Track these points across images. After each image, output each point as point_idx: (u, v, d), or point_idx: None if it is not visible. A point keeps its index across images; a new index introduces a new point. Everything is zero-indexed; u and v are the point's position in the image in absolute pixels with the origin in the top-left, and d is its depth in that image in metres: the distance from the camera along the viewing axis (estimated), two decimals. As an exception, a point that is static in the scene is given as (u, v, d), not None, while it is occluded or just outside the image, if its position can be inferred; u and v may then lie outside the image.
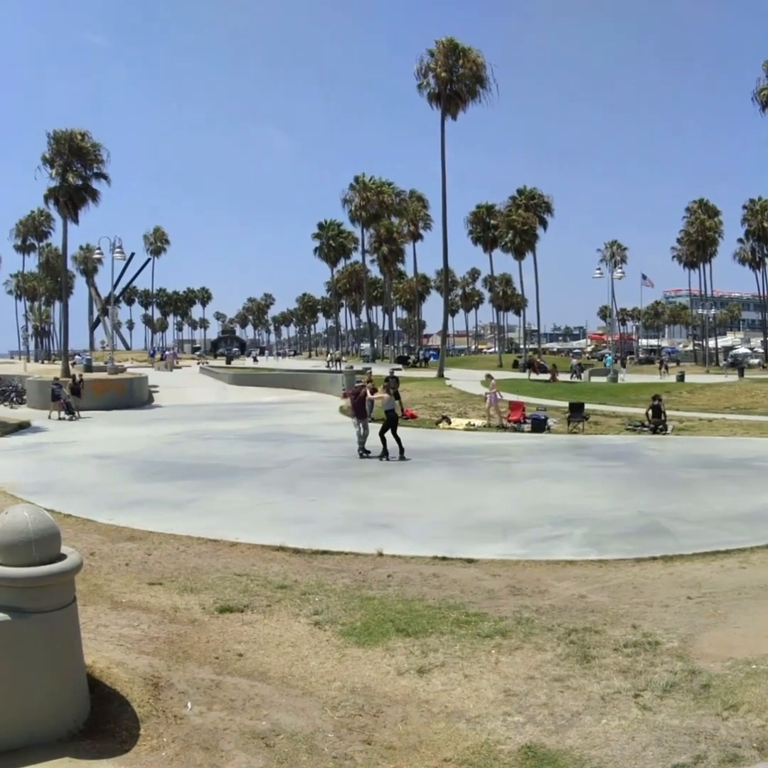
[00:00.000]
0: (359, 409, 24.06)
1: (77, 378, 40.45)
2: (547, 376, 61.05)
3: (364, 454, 23.34)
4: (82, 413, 37.93)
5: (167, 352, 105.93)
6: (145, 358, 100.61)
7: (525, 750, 6.24)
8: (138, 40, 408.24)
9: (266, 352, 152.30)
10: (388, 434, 23.03)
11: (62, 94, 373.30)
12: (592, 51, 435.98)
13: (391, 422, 23.25)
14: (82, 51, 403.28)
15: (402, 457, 22.77)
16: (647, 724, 6.61)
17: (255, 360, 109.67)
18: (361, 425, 23.72)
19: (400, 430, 23.32)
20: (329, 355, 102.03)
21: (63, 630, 6.14)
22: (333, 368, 70.13)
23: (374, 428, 24.14)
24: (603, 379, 59.33)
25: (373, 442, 23.48)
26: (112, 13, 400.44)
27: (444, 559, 12.40)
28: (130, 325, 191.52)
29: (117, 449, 25.96)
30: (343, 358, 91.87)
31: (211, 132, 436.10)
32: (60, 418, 36.77)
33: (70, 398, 37.89)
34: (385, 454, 22.91)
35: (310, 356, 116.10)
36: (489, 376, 34.97)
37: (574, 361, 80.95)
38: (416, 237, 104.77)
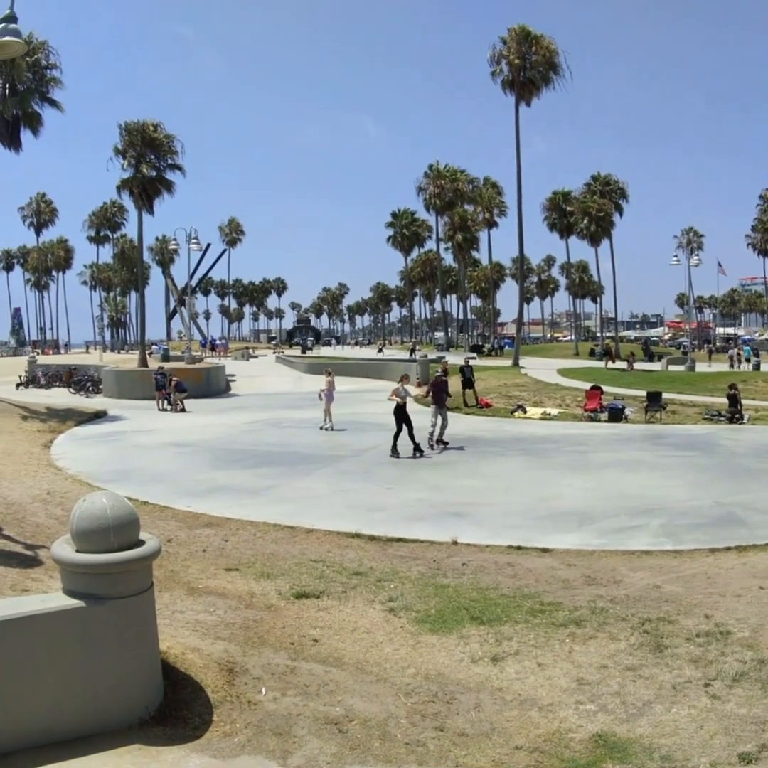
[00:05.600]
0: (439, 398, 23.82)
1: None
2: (624, 365, 60.17)
3: (439, 446, 23.17)
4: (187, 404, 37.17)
5: (218, 342, 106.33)
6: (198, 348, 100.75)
7: (596, 738, 6.23)
8: (223, 31, 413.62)
9: (332, 342, 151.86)
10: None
11: (146, 86, 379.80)
12: (669, 34, 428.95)
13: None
14: (168, 42, 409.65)
15: (395, 455, 21.97)
16: (716, 713, 6.58)
17: (309, 348, 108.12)
18: (439, 415, 23.52)
19: (474, 419, 23.07)
20: (413, 343, 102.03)
21: (139, 616, 6.21)
22: (410, 357, 70.04)
23: (452, 418, 23.96)
24: (681, 368, 58.43)
25: (449, 432, 23.46)
26: (197, 4, 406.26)
27: (519, 548, 12.40)
28: (207, 316, 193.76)
29: (194, 437, 26.31)
30: (418, 347, 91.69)
31: (290, 122, 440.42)
32: (161, 409, 36.84)
33: (171, 389, 37.37)
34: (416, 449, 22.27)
35: (383, 346, 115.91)
36: (327, 372, 31.12)
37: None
38: (491, 224, 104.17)
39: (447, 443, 23.27)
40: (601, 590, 10.23)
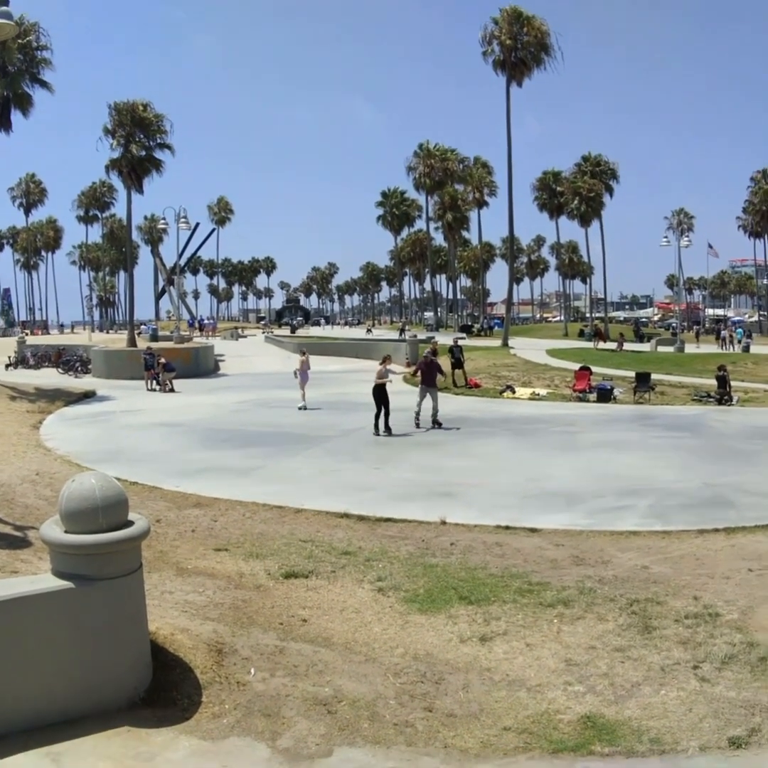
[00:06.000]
0: (427, 378, 23.85)
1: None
2: (613, 345, 60.19)
3: (434, 426, 23.23)
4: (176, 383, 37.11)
5: (205, 322, 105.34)
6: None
7: (584, 719, 6.25)
8: (216, 13, 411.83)
9: (321, 321, 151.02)
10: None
11: (138, 67, 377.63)
12: (659, 17, 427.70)
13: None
14: (161, 24, 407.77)
15: (377, 433, 22.29)
16: (705, 695, 6.60)
17: (298, 328, 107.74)
18: (428, 395, 23.55)
19: (464, 399, 23.08)
20: (402, 323, 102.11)
21: (128, 597, 6.22)
22: (398, 337, 70.02)
23: (442, 398, 24.01)
24: (670, 349, 58.55)
25: (443, 412, 23.46)
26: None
27: (507, 528, 12.40)
28: (196, 295, 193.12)
29: (183, 417, 26.27)
30: (407, 327, 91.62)
31: (282, 102, 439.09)
32: (150, 390, 36.79)
33: (159, 369, 37.23)
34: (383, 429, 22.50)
35: (372, 326, 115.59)
36: (302, 352, 31.48)
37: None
38: (481, 204, 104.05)
39: (441, 424, 23.24)
40: (589, 570, 10.25)
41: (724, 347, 62.18)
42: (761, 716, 6.18)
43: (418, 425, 22.99)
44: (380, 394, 22.45)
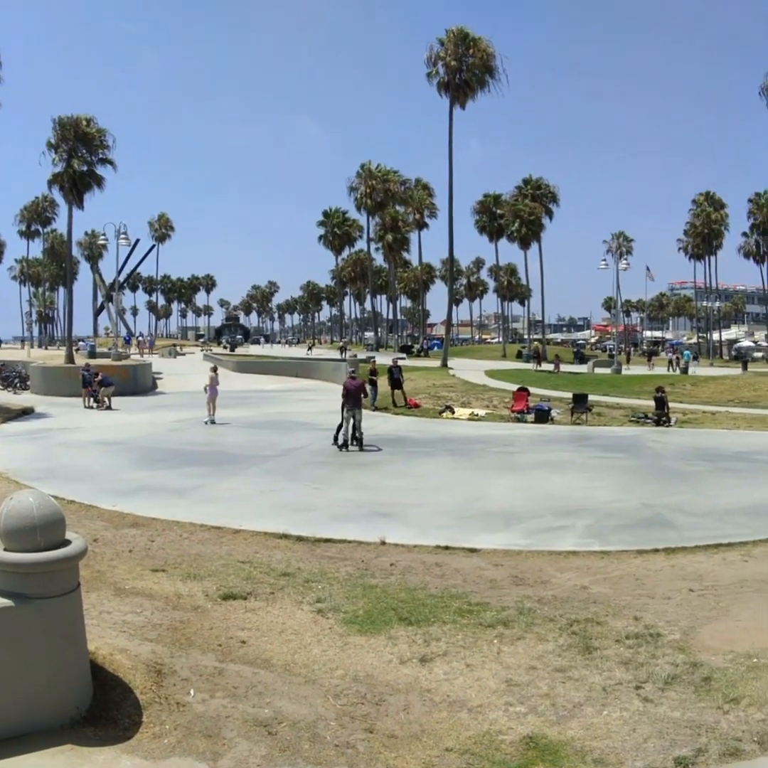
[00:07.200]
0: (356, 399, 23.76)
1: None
2: (551, 367, 60.76)
3: (349, 446, 23.05)
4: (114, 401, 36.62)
5: (141, 338, 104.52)
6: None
7: (526, 740, 6.26)
8: (166, 29, 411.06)
9: (261, 340, 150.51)
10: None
11: (86, 80, 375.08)
12: (602, 42, 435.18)
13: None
14: (110, 38, 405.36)
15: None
16: (648, 716, 6.63)
17: (238, 345, 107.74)
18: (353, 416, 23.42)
19: (403, 419, 23.24)
20: (343, 343, 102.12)
21: (66, 616, 6.17)
22: (340, 357, 69.98)
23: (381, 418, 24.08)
24: (607, 370, 59.23)
25: (377, 432, 23.48)
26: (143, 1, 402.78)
27: (446, 548, 12.43)
28: (135, 312, 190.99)
29: (121, 436, 25.98)
30: (348, 347, 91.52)
31: (230, 119, 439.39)
32: (87, 407, 36.30)
33: (96, 385, 36.65)
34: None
35: (312, 345, 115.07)
36: (213, 368, 32.76)
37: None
38: (422, 226, 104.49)
39: (343, 445, 23.20)
40: (528, 591, 10.29)
41: (670, 369, 62.93)
42: (707, 737, 6.20)
43: (343, 446, 22.89)
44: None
